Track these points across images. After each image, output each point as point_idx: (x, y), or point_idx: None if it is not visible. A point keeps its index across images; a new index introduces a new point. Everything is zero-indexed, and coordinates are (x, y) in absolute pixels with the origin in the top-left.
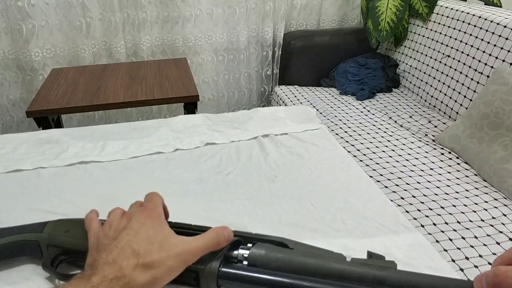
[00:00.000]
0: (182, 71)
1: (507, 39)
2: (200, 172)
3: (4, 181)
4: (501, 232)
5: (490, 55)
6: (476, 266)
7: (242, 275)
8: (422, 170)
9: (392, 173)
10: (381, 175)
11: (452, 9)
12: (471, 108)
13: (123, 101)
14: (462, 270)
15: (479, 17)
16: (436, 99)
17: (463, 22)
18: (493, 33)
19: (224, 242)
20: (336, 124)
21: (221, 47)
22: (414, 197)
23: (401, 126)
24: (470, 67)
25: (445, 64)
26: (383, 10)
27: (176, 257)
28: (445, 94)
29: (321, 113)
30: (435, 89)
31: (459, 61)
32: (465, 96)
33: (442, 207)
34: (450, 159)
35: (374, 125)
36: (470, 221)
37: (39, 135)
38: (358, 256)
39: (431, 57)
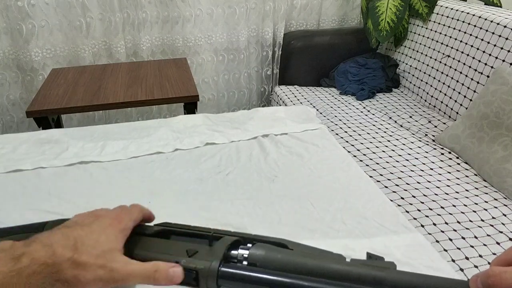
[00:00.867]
0: (182, 71)
1: (507, 39)
2: (200, 172)
3: (4, 181)
4: (501, 232)
5: (490, 55)
6: (476, 266)
7: (242, 275)
8: (422, 170)
9: (392, 173)
10: (381, 175)
11: (452, 9)
12: (471, 108)
13: (123, 101)
14: (462, 270)
15: (479, 17)
16: (436, 99)
17: (463, 22)
18: (493, 33)
19: (163, 280)
20: (336, 124)
21: (221, 47)
22: (414, 197)
23: (401, 126)
24: (470, 67)
25: (445, 64)
26: (383, 10)
27: (109, 271)
28: (445, 94)
29: (321, 113)
30: (435, 89)
31: (459, 61)
32: (465, 96)
33: (442, 207)
34: (450, 159)
35: (374, 125)
36: (470, 221)
37: (39, 135)
38: (357, 256)
39: (431, 57)
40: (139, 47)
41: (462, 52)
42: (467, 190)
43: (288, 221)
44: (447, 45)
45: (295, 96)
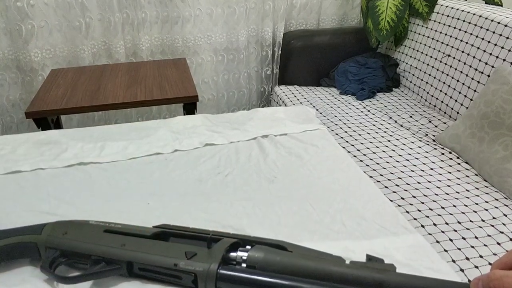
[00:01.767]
0: (181, 71)
1: (507, 38)
2: (199, 173)
3: (3, 182)
4: (502, 232)
5: (490, 54)
6: (476, 267)
7: (241, 277)
8: (423, 170)
9: (392, 173)
10: (381, 175)
11: (452, 8)
12: (471, 108)
13: (122, 101)
14: (462, 270)
15: (480, 16)
16: (437, 98)
17: (464, 21)
18: (493, 32)
19: None
20: (336, 124)
21: (221, 47)
22: (414, 197)
23: (401, 126)
24: (470, 66)
25: (446, 64)
26: (383, 10)
27: None
28: (446, 94)
29: (321, 113)
30: (436, 88)
31: (459, 60)
32: (465, 96)
33: (442, 207)
34: (451, 159)
35: (374, 125)
36: (471, 221)
37: (38, 136)
38: (357, 258)
39: (431, 57)
40: (138, 47)
41: (463, 52)
42: (467, 190)
43: (288, 223)
44: (447, 45)
45: (295, 96)
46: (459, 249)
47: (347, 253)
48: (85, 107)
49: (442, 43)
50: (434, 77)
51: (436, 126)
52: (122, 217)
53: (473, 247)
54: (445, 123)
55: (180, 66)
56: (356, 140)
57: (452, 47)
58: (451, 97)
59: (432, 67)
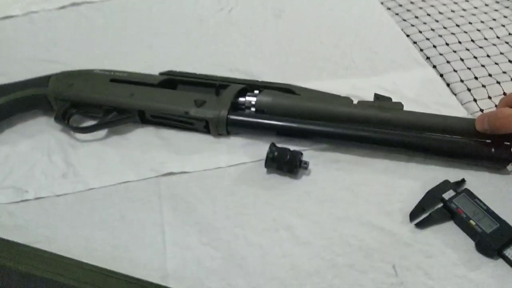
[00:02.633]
0: None
1: None
2: (200, 9)
3: None
4: None
5: None
6: (483, 85)
7: (250, 121)
8: None
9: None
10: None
11: None
12: None
13: None
14: (468, 90)
15: None
16: None
17: None
18: None
19: None
20: None
21: None
22: (429, 15)
23: None
24: None
25: None
26: None
27: None
28: None
29: None
30: None
31: None
32: None
33: (457, 25)
34: None
35: None
36: (485, 39)
37: None
38: (366, 96)
39: None
40: None
41: None
42: (486, 5)
43: (295, 61)
44: None
45: None
46: (469, 68)
47: (356, 91)
48: None
49: None
50: None
51: None
52: (127, 60)
53: (483, 66)
54: None
55: None
56: None
57: None
58: None
59: None
